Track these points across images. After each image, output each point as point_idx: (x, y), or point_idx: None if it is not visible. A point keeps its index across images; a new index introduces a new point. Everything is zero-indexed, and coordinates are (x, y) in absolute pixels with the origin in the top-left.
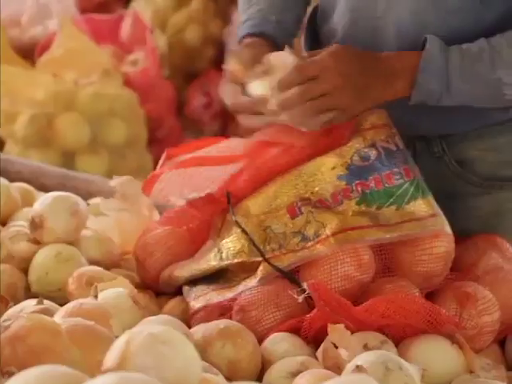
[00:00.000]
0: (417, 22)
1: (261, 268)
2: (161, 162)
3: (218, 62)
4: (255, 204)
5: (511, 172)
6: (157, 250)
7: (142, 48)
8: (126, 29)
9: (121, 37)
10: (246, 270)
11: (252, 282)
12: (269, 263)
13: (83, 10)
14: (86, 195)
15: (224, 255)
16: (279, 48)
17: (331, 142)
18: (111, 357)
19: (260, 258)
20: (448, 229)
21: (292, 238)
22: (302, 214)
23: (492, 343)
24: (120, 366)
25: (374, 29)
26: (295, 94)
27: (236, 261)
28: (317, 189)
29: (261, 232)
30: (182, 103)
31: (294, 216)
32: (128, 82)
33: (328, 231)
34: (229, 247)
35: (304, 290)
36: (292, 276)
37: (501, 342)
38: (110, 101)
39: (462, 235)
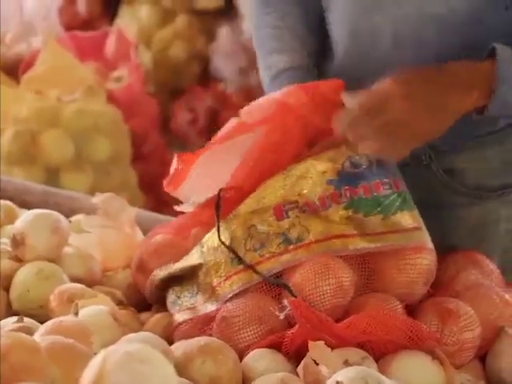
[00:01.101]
0: (416, 40)
1: (241, 275)
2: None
3: (203, 78)
4: (245, 203)
5: (498, 182)
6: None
7: (127, 65)
8: (110, 46)
9: (105, 54)
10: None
11: (233, 287)
12: (255, 271)
13: (68, 28)
14: (69, 212)
15: (205, 249)
16: None
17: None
18: (87, 375)
19: (242, 267)
20: (431, 244)
21: (274, 238)
22: (288, 217)
23: (473, 359)
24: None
25: (371, 41)
26: (361, 130)
27: (215, 257)
28: (305, 191)
29: (244, 229)
30: (168, 119)
31: (279, 218)
32: (112, 99)
33: (312, 237)
34: (211, 242)
35: (285, 307)
36: (282, 283)
37: (481, 358)
38: (93, 117)
39: (448, 244)
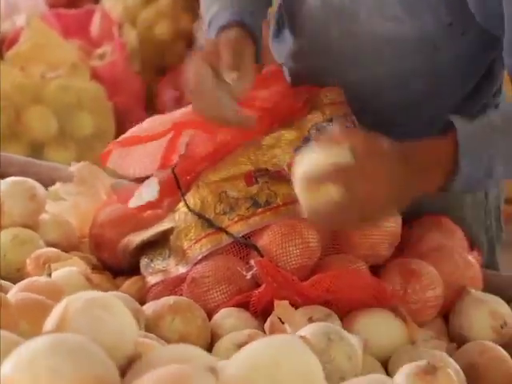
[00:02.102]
0: (372, 58)
1: (210, 238)
2: None
3: (188, 56)
4: (214, 172)
5: None
6: (112, 225)
7: (111, 42)
8: (95, 24)
9: (90, 31)
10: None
11: (202, 249)
12: (226, 232)
13: (53, 6)
14: (49, 182)
15: (177, 217)
16: (254, 41)
17: (287, 115)
18: (50, 321)
19: (212, 229)
20: None
21: (244, 202)
22: (257, 183)
23: (436, 317)
24: (58, 329)
25: (330, 53)
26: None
27: (186, 221)
28: (275, 159)
29: (215, 195)
30: (153, 97)
31: (249, 184)
32: (96, 76)
33: (279, 201)
34: (182, 208)
35: (252, 267)
36: (251, 243)
37: (445, 316)
38: (77, 93)
39: None
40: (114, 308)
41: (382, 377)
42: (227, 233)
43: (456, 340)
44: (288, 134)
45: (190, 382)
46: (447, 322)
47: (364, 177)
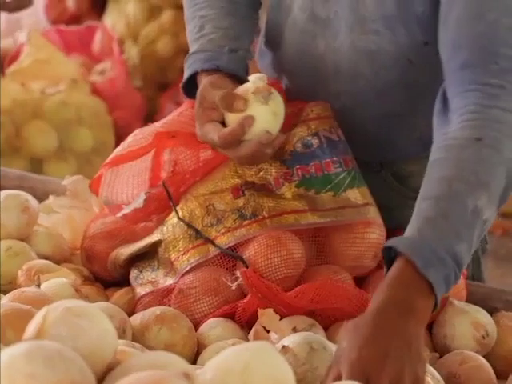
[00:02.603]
0: (352, 71)
1: (197, 249)
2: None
3: None
4: (202, 186)
5: None
6: (103, 238)
7: (111, 58)
8: (96, 40)
9: (91, 47)
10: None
11: (190, 261)
12: (213, 244)
13: (55, 23)
14: (43, 195)
15: (165, 229)
16: (237, 77)
17: None
18: (29, 329)
19: (199, 241)
20: (380, 220)
21: (230, 214)
22: (244, 195)
23: None
24: (37, 336)
25: (315, 66)
26: None
27: (174, 233)
28: (261, 173)
29: (202, 207)
30: (154, 113)
31: (236, 196)
32: (96, 91)
33: (265, 213)
34: (170, 220)
35: (237, 278)
36: (237, 255)
37: (428, 327)
38: (76, 109)
39: None
40: (93, 316)
41: None
42: (214, 244)
43: (439, 350)
44: None
45: None
46: (431, 333)
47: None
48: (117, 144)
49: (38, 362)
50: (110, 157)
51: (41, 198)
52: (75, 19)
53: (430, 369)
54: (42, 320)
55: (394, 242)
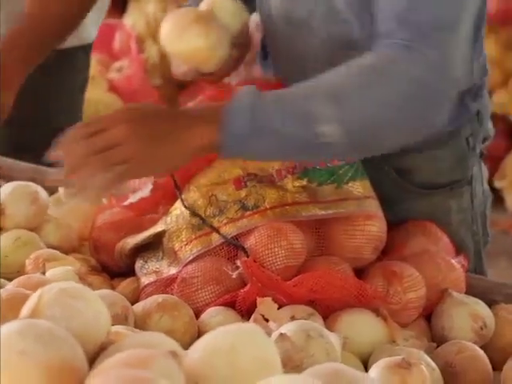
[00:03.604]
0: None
1: (200, 240)
2: None
3: None
4: (205, 177)
5: (447, 179)
6: (110, 229)
7: (129, 56)
8: (117, 38)
9: (110, 45)
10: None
11: (192, 251)
12: (218, 233)
13: None
14: (55, 188)
15: (169, 219)
16: None
17: None
18: (24, 309)
19: (202, 232)
20: (381, 213)
21: (232, 205)
22: (246, 187)
23: (418, 318)
24: (31, 316)
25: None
26: (77, 153)
27: (177, 223)
28: (263, 165)
29: (206, 199)
30: None
31: (238, 188)
32: (113, 88)
33: (267, 204)
34: (174, 211)
35: (238, 267)
36: (239, 244)
37: (427, 317)
38: (94, 105)
39: None
40: (86, 298)
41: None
42: (219, 233)
43: (437, 340)
44: None
45: (152, 363)
46: (430, 323)
47: (122, 122)
48: None
49: (30, 339)
50: None
51: (54, 191)
52: None
53: (426, 357)
54: (37, 300)
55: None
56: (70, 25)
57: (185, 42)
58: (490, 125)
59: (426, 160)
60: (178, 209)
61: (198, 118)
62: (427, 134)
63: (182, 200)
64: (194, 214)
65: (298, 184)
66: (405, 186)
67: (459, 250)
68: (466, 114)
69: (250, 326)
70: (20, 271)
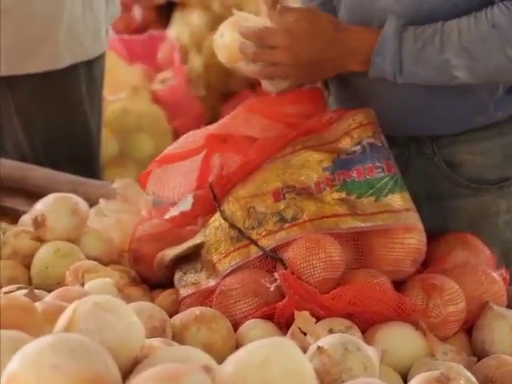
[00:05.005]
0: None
1: (239, 252)
2: None
3: (252, 82)
4: (244, 189)
5: (496, 175)
6: (149, 241)
7: (173, 67)
8: (161, 50)
9: (154, 57)
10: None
11: (231, 263)
12: (257, 245)
13: (121, 32)
14: (97, 200)
15: (208, 231)
16: None
17: (310, 130)
18: (59, 323)
19: (241, 244)
20: (420, 225)
21: (271, 217)
22: (284, 199)
23: (459, 332)
24: (66, 329)
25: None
26: (251, 54)
27: (216, 235)
28: (302, 178)
29: (244, 211)
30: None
31: (277, 200)
32: (156, 99)
33: (306, 216)
34: (213, 223)
35: (276, 279)
36: (277, 256)
37: (468, 331)
38: (137, 116)
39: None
40: (120, 311)
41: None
42: (257, 245)
43: (478, 354)
44: (318, 155)
45: (185, 378)
46: (470, 337)
47: (291, 48)
48: None
49: (63, 353)
50: (161, 155)
51: (94, 202)
52: (141, 30)
53: (465, 372)
54: (72, 313)
55: (391, 18)
56: None
57: None
58: None
59: (474, 153)
60: (216, 221)
61: (349, 53)
62: None
63: (220, 212)
64: (232, 225)
65: (336, 196)
66: (455, 179)
67: (503, 251)
68: None
69: (283, 340)
70: (60, 282)
